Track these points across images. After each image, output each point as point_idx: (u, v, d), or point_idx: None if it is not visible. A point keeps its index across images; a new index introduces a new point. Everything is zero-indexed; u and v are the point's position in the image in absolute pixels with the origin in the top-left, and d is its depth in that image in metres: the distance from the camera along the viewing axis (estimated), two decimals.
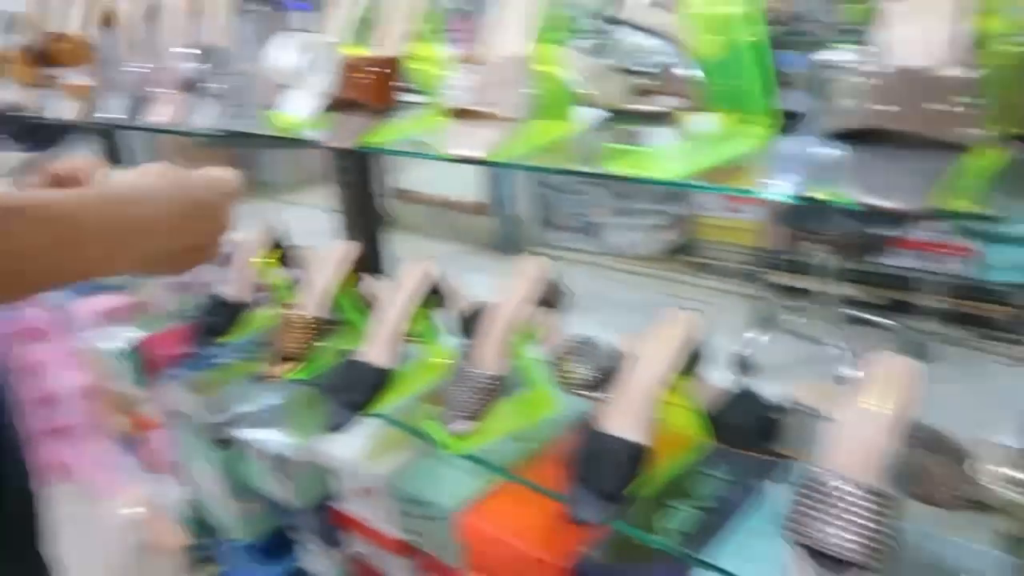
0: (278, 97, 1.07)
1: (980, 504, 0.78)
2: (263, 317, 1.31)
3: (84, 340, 1.77)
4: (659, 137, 0.75)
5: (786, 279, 3.02)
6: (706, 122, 0.73)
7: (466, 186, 3.94)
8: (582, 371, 0.97)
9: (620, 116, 0.82)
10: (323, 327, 1.15)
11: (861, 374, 0.77)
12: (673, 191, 3.45)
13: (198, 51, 1.21)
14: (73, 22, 1.49)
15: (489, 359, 0.96)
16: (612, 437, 0.82)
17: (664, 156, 0.71)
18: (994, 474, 0.77)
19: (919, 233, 2.70)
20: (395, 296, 1.08)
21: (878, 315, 2.73)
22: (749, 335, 2.76)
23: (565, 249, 3.82)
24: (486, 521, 0.99)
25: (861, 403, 0.73)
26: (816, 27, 2.35)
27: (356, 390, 1.02)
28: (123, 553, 1.76)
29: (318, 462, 1.24)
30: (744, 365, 2.65)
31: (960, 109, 0.49)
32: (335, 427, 1.02)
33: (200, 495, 1.62)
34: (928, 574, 0.77)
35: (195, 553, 1.71)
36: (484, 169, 3.84)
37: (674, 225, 3.54)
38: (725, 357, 2.61)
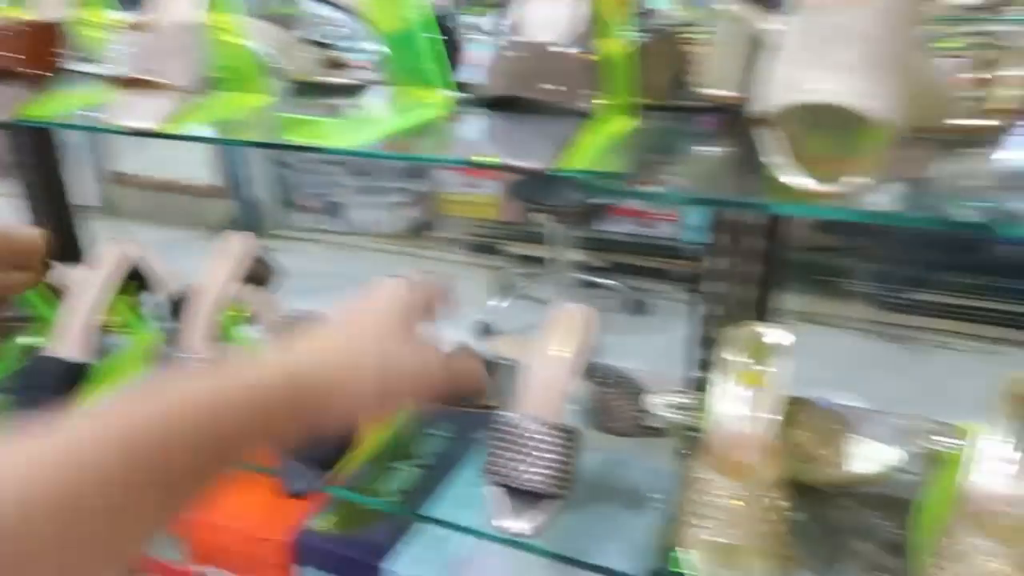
0: None
1: (654, 429, 0.90)
2: None
3: None
4: (346, 110, 0.76)
5: (521, 248, 3.21)
6: (389, 95, 0.76)
7: (198, 168, 3.71)
8: None
9: (310, 88, 0.83)
10: (5, 325, 1.03)
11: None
12: (416, 169, 3.50)
13: None
14: None
15: (197, 343, 0.93)
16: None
17: (345, 127, 0.73)
18: (662, 403, 0.89)
19: (635, 202, 2.99)
20: (88, 283, 1.00)
21: (604, 277, 2.99)
22: (491, 303, 2.90)
23: (309, 230, 3.74)
24: (202, 509, 0.96)
25: (543, 349, 0.80)
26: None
27: (46, 387, 0.93)
28: None
29: None
30: (486, 330, 2.78)
31: (577, 82, 0.56)
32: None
33: None
34: (615, 495, 0.86)
35: None
36: (217, 150, 3.62)
37: (417, 202, 3.60)
38: (469, 324, 2.73)
